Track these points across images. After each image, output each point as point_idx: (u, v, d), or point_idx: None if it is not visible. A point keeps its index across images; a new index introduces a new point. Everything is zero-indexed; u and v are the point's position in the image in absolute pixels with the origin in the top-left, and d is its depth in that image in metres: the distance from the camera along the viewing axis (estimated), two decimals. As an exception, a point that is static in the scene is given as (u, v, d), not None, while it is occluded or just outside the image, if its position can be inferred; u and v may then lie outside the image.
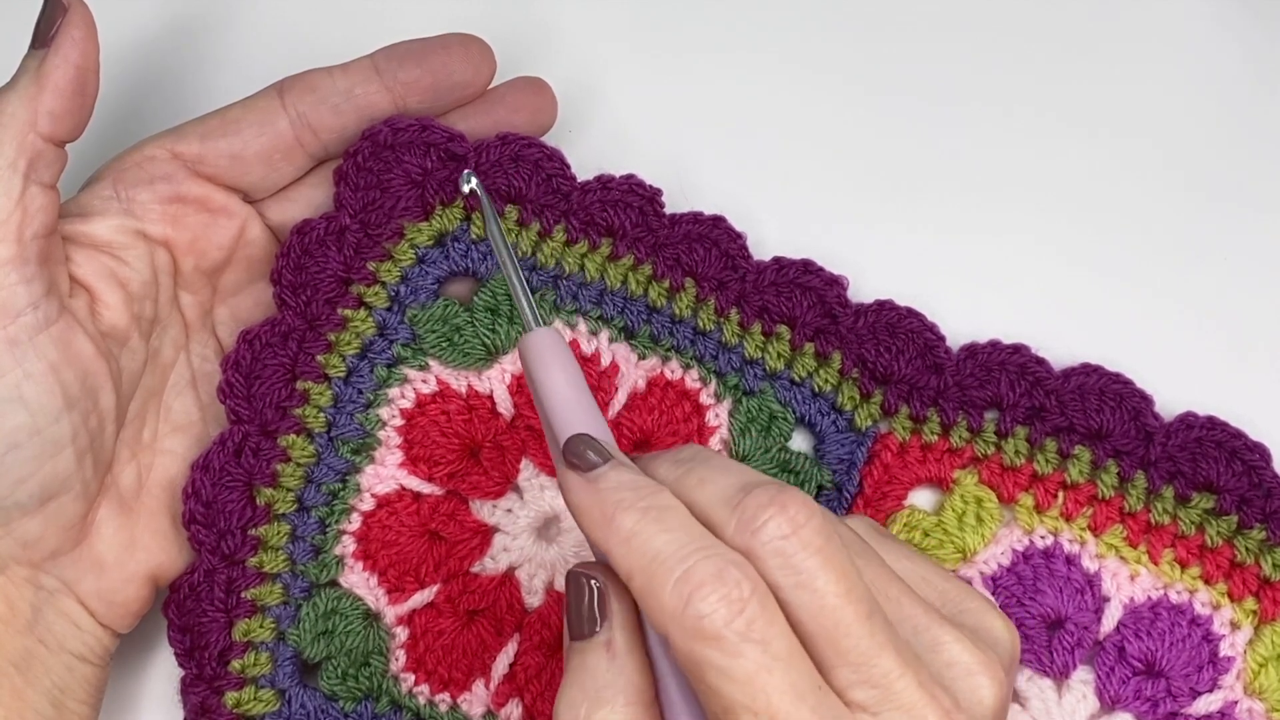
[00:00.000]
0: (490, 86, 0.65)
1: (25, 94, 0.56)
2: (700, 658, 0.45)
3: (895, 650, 0.46)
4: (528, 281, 0.64)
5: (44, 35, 0.56)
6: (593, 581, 0.49)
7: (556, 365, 0.53)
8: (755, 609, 0.45)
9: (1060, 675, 0.61)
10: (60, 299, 0.57)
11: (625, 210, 0.64)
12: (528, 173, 0.64)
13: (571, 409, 0.52)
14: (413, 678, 0.61)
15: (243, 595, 0.61)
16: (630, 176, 0.65)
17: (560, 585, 0.62)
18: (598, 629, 0.49)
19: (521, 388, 0.63)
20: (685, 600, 0.45)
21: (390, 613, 0.61)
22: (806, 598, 0.46)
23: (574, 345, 0.63)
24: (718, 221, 0.65)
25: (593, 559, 0.52)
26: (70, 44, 0.56)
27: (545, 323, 0.55)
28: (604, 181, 0.65)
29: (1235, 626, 0.61)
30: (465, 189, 0.61)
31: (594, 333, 0.64)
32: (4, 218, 0.55)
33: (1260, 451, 0.62)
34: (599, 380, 0.63)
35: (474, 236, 0.63)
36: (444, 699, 0.61)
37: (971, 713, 0.47)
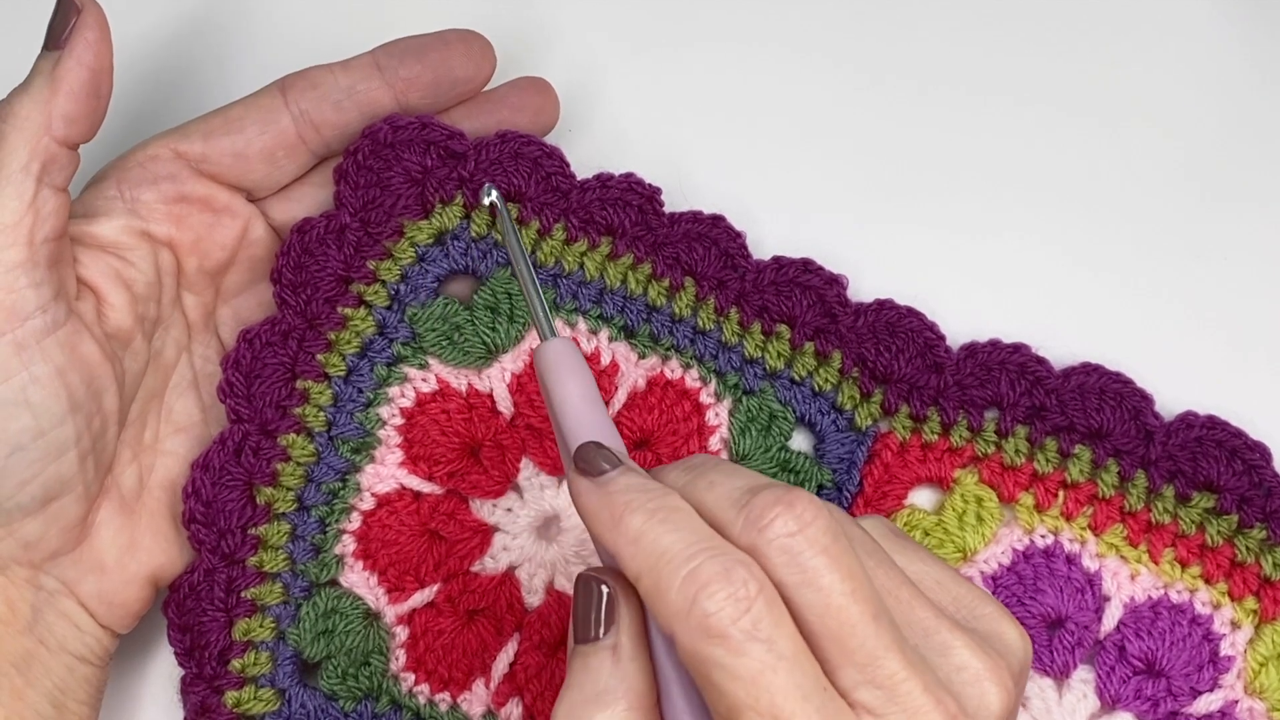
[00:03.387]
0: (491, 86, 0.65)
1: (39, 97, 0.55)
2: (706, 656, 0.45)
3: (901, 652, 0.46)
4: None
5: (57, 37, 0.56)
6: (603, 586, 0.49)
7: (571, 375, 0.53)
8: (761, 608, 0.45)
9: (1061, 674, 0.61)
10: (68, 302, 0.56)
11: (624, 209, 0.64)
12: (527, 170, 0.64)
13: (584, 417, 0.52)
14: (413, 677, 0.61)
15: (242, 595, 0.60)
16: (629, 175, 0.64)
17: (560, 585, 0.62)
18: (603, 633, 0.48)
19: (521, 387, 0.63)
20: (691, 599, 0.45)
21: (390, 612, 0.61)
22: (812, 596, 0.46)
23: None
24: (717, 220, 0.65)
25: (599, 564, 0.51)
26: (84, 46, 0.56)
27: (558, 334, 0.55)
28: (603, 180, 0.64)
29: (1236, 626, 0.61)
30: (485, 201, 0.61)
31: (594, 331, 0.64)
32: (15, 221, 0.55)
33: (1260, 451, 0.62)
34: (598, 379, 0.63)
35: (474, 235, 0.63)
36: (444, 698, 0.61)
37: (977, 718, 0.47)
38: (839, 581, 0.46)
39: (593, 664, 0.48)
